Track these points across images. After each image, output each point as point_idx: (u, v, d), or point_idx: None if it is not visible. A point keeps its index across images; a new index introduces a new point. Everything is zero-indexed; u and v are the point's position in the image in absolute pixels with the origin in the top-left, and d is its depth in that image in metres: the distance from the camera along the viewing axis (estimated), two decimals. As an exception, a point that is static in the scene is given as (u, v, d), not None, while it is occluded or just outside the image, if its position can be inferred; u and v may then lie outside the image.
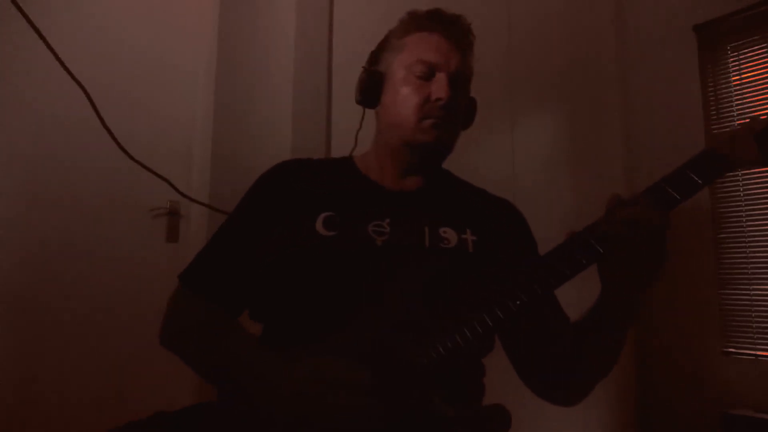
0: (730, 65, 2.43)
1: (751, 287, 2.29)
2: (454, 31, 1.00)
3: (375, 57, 1.07)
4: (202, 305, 0.92)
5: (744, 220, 2.34)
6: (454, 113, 0.98)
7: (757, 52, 2.36)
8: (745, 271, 2.31)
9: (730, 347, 2.32)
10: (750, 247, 2.31)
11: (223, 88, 1.76)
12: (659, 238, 0.76)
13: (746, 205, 2.34)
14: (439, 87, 0.95)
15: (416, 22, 1.02)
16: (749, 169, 1.11)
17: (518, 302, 0.77)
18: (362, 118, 1.24)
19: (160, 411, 0.83)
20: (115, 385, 1.58)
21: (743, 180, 2.34)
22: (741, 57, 2.41)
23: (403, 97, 0.97)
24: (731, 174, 2.34)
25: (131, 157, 1.56)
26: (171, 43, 1.83)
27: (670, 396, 2.42)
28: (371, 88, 1.02)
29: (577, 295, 0.92)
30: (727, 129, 0.80)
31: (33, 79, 1.55)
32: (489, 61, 2.14)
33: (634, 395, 2.51)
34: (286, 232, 0.92)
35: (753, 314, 2.27)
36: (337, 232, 0.91)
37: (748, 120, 0.75)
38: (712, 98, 2.46)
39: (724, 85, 2.44)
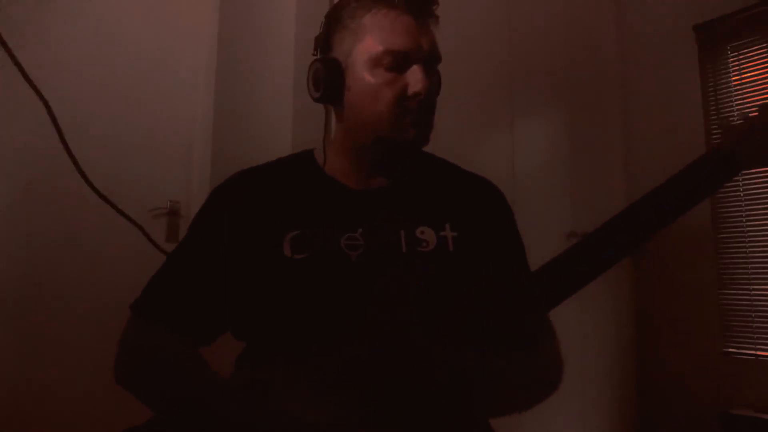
0: (730, 65, 2.43)
1: (751, 287, 2.29)
2: (416, 1, 0.86)
3: (325, 41, 0.91)
4: (165, 340, 0.84)
5: (744, 220, 2.34)
6: (433, 105, 0.89)
7: (757, 52, 2.36)
8: (745, 271, 2.31)
9: (730, 347, 2.32)
10: (750, 247, 2.31)
11: (223, 88, 1.76)
12: None
13: (746, 205, 2.34)
14: (416, 80, 0.84)
15: None
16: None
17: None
18: (326, 116, 1.04)
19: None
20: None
21: (743, 180, 2.34)
22: (741, 57, 2.41)
23: (374, 92, 0.85)
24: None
25: (98, 193, 1.48)
26: (171, 43, 1.83)
27: (670, 396, 2.42)
28: (331, 82, 0.87)
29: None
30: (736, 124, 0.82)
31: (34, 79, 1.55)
32: (489, 61, 2.14)
33: (634, 395, 2.51)
34: (252, 256, 0.85)
35: (753, 314, 2.27)
36: (307, 254, 0.83)
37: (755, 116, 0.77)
38: (712, 98, 2.46)
39: (724, 85, 2.45)
